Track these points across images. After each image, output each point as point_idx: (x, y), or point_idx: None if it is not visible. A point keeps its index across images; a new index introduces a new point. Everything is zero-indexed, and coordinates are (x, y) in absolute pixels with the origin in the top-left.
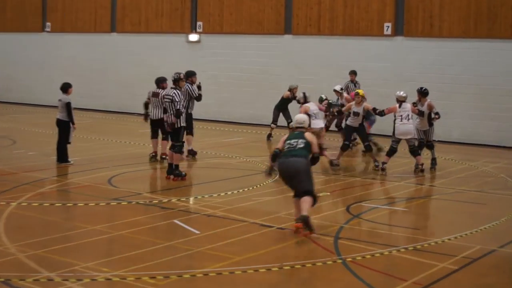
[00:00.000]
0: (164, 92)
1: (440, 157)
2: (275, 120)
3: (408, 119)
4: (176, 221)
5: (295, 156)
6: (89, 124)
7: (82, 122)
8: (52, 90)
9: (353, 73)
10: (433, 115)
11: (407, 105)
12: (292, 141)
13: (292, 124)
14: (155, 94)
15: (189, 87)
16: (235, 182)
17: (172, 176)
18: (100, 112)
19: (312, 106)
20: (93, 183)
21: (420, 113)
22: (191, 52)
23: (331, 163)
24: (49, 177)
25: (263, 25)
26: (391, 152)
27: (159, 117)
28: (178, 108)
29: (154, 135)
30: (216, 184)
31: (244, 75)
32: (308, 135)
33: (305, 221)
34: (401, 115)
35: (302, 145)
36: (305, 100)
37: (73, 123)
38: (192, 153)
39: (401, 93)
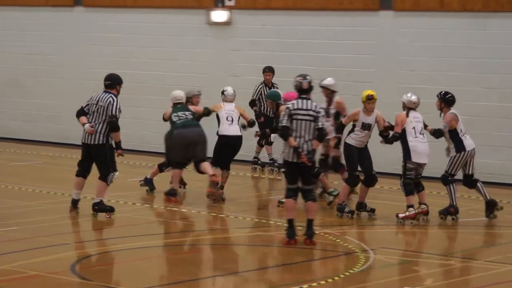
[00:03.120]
0: (295, 103)
1: None
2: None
3: (423, 134)
4: None
5: (193, 126)
6: (35, 168)
7: (25, 165)
8: None
9: (269, 70)
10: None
11: (418, 114)
12: (180, 113)
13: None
14: None
15: (114, 99)
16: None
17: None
18: (57, 146)
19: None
20: (45, 272)
21: (436, 133)
22: (214, 40)
23: (341, 209)
24: None
25: None
26: (413, 187)
27: None
28: (324, 127)
29: None
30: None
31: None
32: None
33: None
34: (414, 128)
35: (191, 116)
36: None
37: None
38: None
39: (412, 97)
